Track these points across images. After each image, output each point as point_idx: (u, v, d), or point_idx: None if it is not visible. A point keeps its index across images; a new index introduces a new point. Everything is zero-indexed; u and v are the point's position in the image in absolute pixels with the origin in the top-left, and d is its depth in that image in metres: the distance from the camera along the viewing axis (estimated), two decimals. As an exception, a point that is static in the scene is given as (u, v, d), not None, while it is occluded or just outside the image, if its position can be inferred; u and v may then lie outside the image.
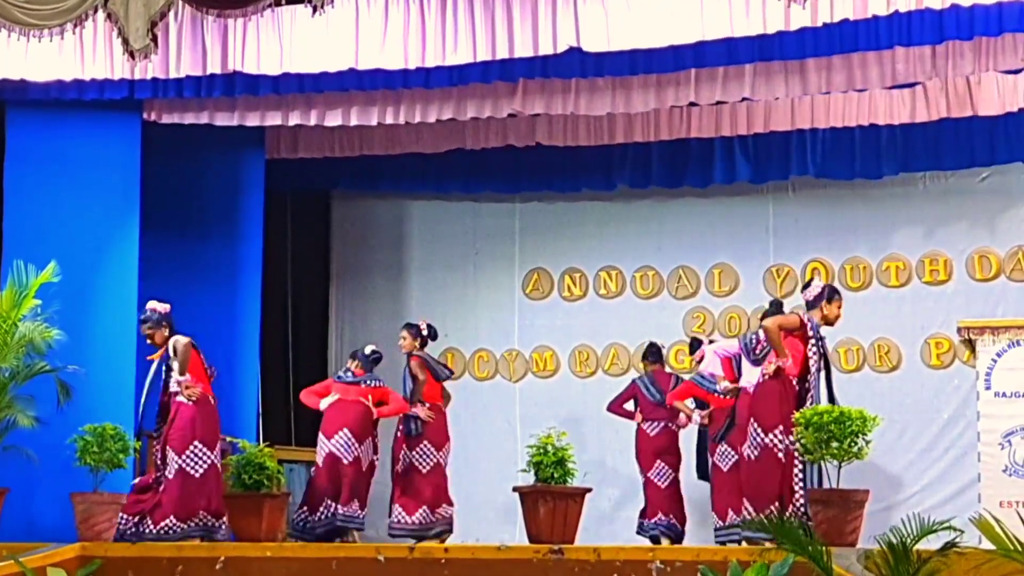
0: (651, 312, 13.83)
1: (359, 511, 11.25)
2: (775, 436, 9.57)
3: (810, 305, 9.96)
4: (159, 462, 10.46)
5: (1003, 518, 7.61)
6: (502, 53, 10.46)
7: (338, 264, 14.82)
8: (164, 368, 10.52)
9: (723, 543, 10.61)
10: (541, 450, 10.29)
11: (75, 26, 11.01)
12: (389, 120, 11.99)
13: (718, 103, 11.99)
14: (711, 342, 11.95)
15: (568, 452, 10.32)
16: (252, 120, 12.06)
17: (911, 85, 11.64)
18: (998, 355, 10.20)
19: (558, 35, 10.29)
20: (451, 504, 11.60)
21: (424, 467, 11.47)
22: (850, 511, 9.09)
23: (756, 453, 9.67)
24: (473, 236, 14.50)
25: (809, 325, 9.74)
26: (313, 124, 12.09)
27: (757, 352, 10.29)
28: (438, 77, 11.19)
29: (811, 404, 9.48)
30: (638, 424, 12.09)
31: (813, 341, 9.69)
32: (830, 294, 9.97)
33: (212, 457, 10.40)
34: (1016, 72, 11.26)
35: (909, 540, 7.69)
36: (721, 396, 11.09)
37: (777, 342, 9.66)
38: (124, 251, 11.59)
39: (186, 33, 10.96)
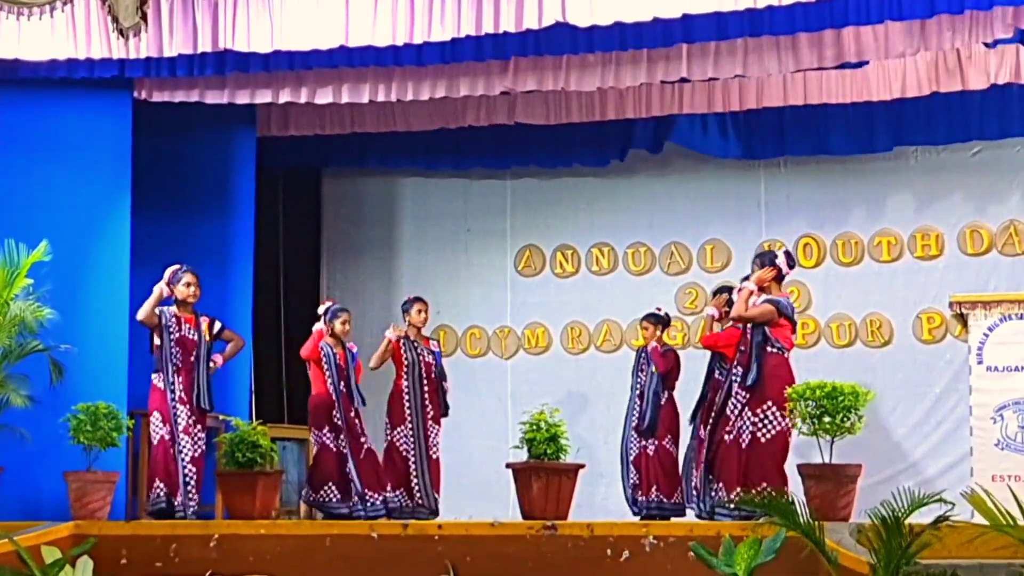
0: (643, 288, 13.79)
1: None
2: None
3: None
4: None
5: (995, 492, 7.63)
6: (488, 28, 10.43)
7: (329, 242, 14.80)
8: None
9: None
10: (534, 426, 10.28)
11: (64, 4, 10.98)
12: (380, 98, 11.95)
13: (710, 79, 11.96)
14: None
15: (561, 428, 10.31)
16: (243, 98, 12.01)
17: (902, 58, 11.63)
18: (990, 329, 10.18)
19: (544, 9, 10.25)
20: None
21: None
22: (843, 485, 9.12)
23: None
24: (464, 213, 14.48)
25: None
26: (304, 102, 12.05)
27: None
28: (430, 55, 11.16)
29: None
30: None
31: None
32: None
33: None
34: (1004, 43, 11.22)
35: (901, 514, 7.71)
36: None
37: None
38: (116, 229, 11.59)
39: (176, 11, 10.93)
